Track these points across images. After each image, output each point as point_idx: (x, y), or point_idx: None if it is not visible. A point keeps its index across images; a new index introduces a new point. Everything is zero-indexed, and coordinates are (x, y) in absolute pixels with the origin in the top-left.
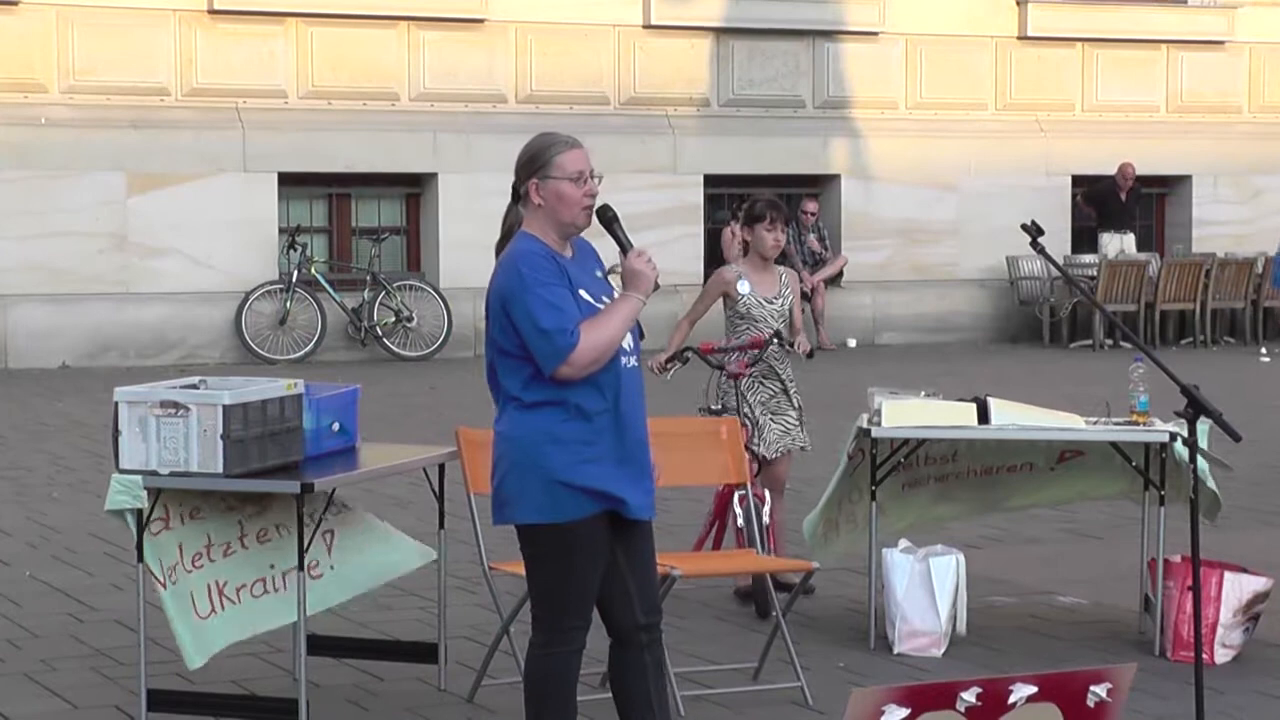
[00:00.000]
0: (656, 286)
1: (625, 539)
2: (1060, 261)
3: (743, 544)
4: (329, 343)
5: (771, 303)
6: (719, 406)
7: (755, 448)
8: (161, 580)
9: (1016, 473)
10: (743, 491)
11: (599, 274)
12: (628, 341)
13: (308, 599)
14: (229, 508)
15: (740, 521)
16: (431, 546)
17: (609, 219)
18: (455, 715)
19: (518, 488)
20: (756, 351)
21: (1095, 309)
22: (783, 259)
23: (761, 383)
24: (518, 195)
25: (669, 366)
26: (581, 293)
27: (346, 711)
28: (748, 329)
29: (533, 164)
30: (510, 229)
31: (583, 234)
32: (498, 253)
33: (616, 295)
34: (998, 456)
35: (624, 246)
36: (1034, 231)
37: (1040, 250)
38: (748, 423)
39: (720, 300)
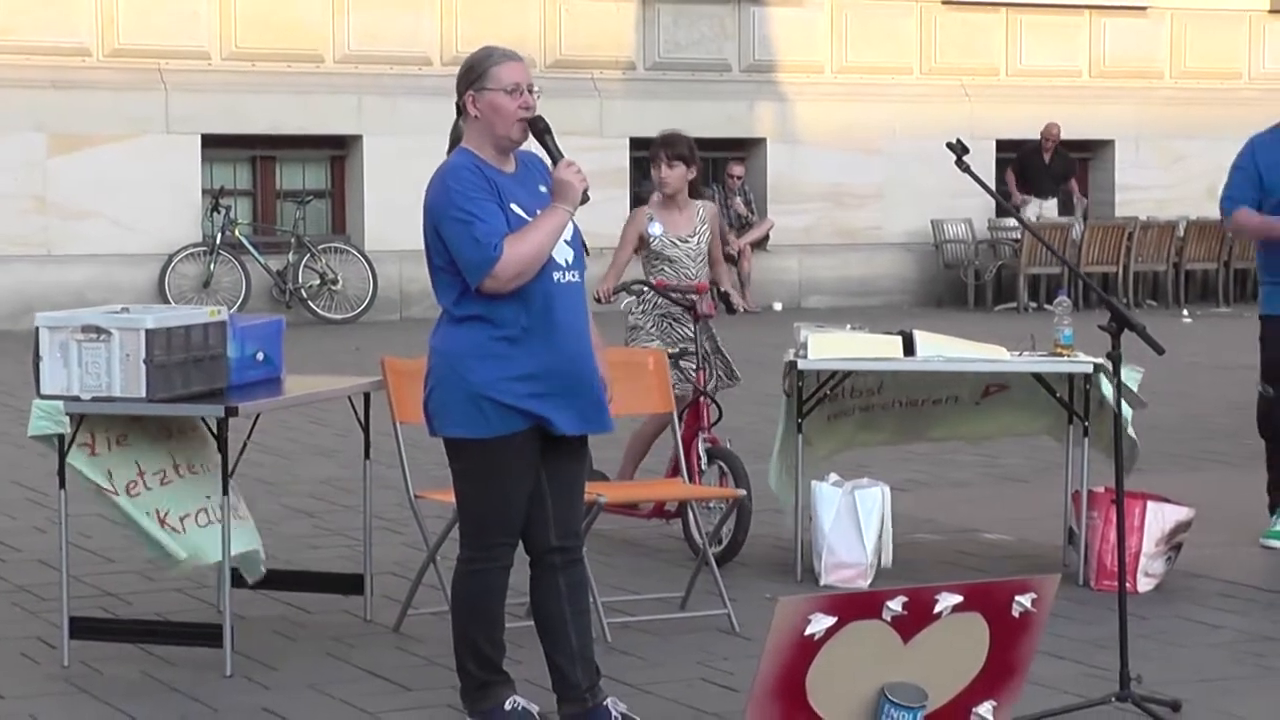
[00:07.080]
0: (586, 198)
1: (553, 458)
2: (984, 227)
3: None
4: (253, 305)
5: (686, 241)
6: (692, 348)
7: (710, 390)
8: (113, 489)
9: (941, 405)
10: (705, 434)
11: (543, 189)
12: (566, 257)
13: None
14: (156, 437)
15: (704, 464)
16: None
17: (540, 130)
18: (382, 644)
19: (444, 401)
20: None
21: (1033, 238)
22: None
23: (674, 325)
24: (460, 110)
25: (617, 296)
26: (513, 207)
27: (273, 641)
28: (663, 269)
29: (469, 76)
30: (454, 142)
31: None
32: None
33: None
34: (922, 389)
35: (554, 157)
36: (959, 150)
37: (966, 168)
38: (706, 365)
39: (639, 244)
